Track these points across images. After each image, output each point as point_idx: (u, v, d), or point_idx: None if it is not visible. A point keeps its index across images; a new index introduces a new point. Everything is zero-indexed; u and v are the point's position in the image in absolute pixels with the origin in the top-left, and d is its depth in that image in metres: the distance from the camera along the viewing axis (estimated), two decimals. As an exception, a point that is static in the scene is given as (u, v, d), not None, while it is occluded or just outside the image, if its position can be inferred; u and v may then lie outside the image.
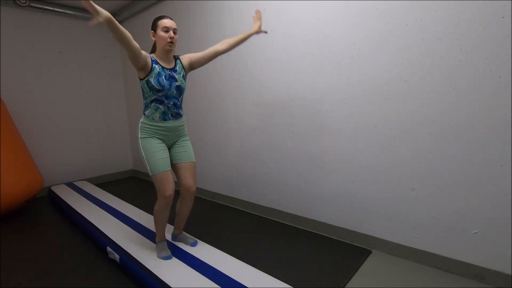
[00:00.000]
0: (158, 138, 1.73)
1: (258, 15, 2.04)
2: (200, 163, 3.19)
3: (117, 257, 1.85)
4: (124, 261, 1.80)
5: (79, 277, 1.83)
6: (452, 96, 1.61)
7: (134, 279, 1.74)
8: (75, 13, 3.70)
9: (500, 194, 1.53)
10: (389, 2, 1.77)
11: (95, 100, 4.12)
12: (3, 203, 2.67)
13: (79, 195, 3.12)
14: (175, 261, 1.76)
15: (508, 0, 1.41)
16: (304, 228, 2.40)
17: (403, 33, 1.74)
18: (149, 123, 1.71)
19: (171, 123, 1.75)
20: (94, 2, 1.48)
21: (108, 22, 1.33)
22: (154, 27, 1.69)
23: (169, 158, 1.77)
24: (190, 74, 3.00)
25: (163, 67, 1.69)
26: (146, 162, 1.70)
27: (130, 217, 2.47)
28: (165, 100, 1.70)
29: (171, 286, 1.49)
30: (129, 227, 2.26)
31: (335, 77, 2.07)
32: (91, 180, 4.07)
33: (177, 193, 1.78)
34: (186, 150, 1.85)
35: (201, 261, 1.74)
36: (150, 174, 1.71)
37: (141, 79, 1.67)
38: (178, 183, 1.86)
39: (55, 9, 3.54)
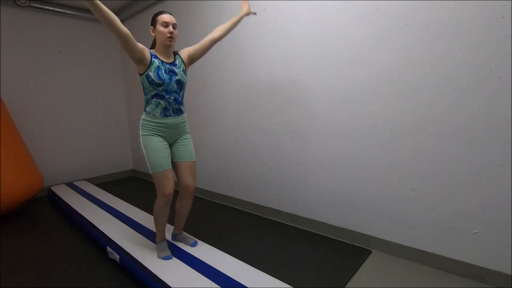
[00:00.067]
0: (159, 135, 1.72)
1: None
2: (200, 163, 3.19)
3: (117, 257, 1.85)
4: (124, 261, 1.80)
5: (79, 277, 1.83)
6: (452, 96, 1.61)
7: (134, 279, 1.74)
8: (75, 13, 3.70)
9: (500, 194, 1.53)
10: (389, 2, 1.77)
11: (95, 100, 4.12)
12: (3, 203, 2.67)
13: (79, 195, 3.12)
14: (175, 261, 1.76)
15: (508, 0, 1.41)
16: (304, 228, 2.40)
17: (403, 33, 1.74)
18: (150, 119, 1.70)
19: (172, 120, 1.74)
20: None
21: (88, 1, 1.30)
22: (153, 22, 1.70)
23: (170, 156, 1.77)
24: (190, 74, 3.00)
25: (162, 61, 1.69)
26: (146, 160, 1.70)
27: (130, 217, 2.47)
28: (165, 95, 1.69)
29: (171, 286, 1.49)
30: (129, 227, 2.26)
31: (335, 77, 2.07)
32: (91, 180, 4.07)
33: (176, 192, 1.78)
34: (187, 148, 1.84)
35: (201, 261, 1.75)
36: (150, 172, 1.71)
37: (141, 74, 1.67)
38: (177, 181, 1.86)
39: (55, 9, 3.53)
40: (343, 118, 2.07)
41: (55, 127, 3.74)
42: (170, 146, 1.81)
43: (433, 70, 1.66)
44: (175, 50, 1.81)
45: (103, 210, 2.66)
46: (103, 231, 2.18)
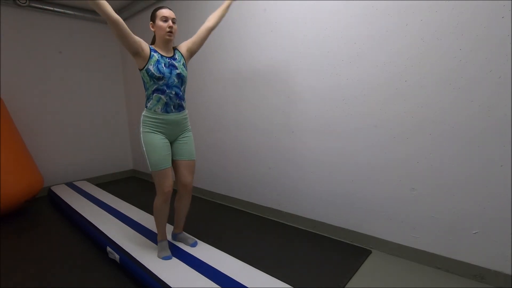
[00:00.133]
0: (160, 132, 1.72)
1: None
2: (200, 163, 3.19)
3: (117, 257, 1.85)
4: (124, 261, 1.80)
5: (79, 277, 1.83)
6: (452, 96, 1.61)
7: (134, 279, 1.74)
8: (75, 13, 3.70)
9: (500, 194, 1.53)
10: (389, 2, 1.77)
11: (95, 100, 4.12)
12: (3, 203, 2.67)
13: (79, 195, 3.12)
14: (175, 261, 1.76)
15: (508, 0, 1.41)
16: (304, 228, 2.40)
17: (403, 33, 1.74)
18: (151, 116, 1.70)
19: (173, 116, 1.74)
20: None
21: None
22: (153, 17, 1.70)
23: (170, 154, 1.77)
24: (190, 74, 3.00)
25: (162, 55, 1.69)
26: (146, 157, 1.71)
27: (130, 217, 2.48)
28: (166, 89, 1.68)
29: (171, 286, 1.49)
30: (129, 227, 2.26)
31: (335, 77, 2.07)
32: (91, 180, 4.07)
33: (175, 191, 1.78)
34: (188, 147, 1.84)
35: (201, 261, 1.75)
36: (150, 170, 1.72)
37: (140, 70, 1.67)
38: (175, 179, 1.86)
39: (55, 9, 3.53)
40: (343, 118, 2.07)
41: (55, 127, 3.74)
42: (171, 143, 1.80)
43: (433, 70, 1.66)
44: (174, 45, 1.81)
45: (103, 210, 2.66)
46: (103, 231, 2.18)
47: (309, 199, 2.36)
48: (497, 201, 1.54)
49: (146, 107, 1.72)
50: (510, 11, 1.41)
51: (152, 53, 1.66)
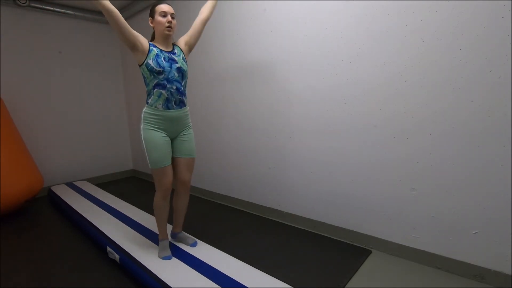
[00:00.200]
0: (161, 129, 1.71)
1: None
2: (200, 163, 3.19)
3: (117, 257, 1.85)
4: (124, 261, 1.80)
5: (79, 277, 1.83)
6: (452, 96, 1.61)
7: (134, 279, 1.74)
8: (75, 13, 3.70)
9: (500, 194, 1.53)
10: (389, 2, 1.77)
11: (95, 100, 4.12)
12: (3, 203, 2.67)
13: (79, 195, 3.13)
14: (175, 261, 1.76)
15: (508, 0, 1.41)
16: (304, 228, 2.40)
17: (403, 33, 1.74)
18: (153, 112, 1.69)
19: (175, 113, 1.73)
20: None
21: None
22: (152, 13, 1.70)
23: (170, 152, 1.77)
24: (191, 74, 3.00)
25: (161, 50, 1.69)
26: (146, 154, 1.71)
27: (130, 217, 2.48)
28: (167, 84, 1.67)
29: (171, 286, 1.49)
30: (129, 227, 2.26)
31: (335, 77, 2.07)
32: (91, 180, 4.07)
33: (173, 190, 1.79)
34: (188, 144, 1.84)
35: (201, 261, 1.75)
36: (150, 167, 1.72)
37: (140, 65, 1.67)
38: (174, 176, 1.86)
39: (55, 9, 3.53)
40: (343, 118, 2.07)
41: (55, 127, 3.74)
42: (172, 140, 1.80)
43: (433, 70, 1.66)
44: (173, 42, 1.82)
45: (103, 210, 2.66)
46: (103, 231, 2.18)
47: (309, 199, 2.36)
48: (497, 201, 1.54)
49: (147, 103, 1.71)
50: (510, 11, 1.41)
51: (151, 47, 1.66)
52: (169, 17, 1.67)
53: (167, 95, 1.68)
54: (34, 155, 3.45)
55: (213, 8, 1.90)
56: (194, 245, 1.94)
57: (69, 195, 3.12)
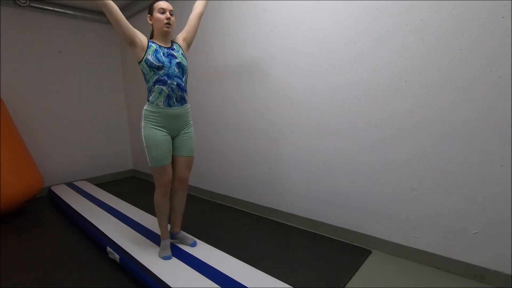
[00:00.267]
0: (162, 127, 1.71)
1: None
2: (200, 163, 3.19)
3: (117, 257, 1.85)
4: (124, 261, 1.80)
5: (79, 277, 1.83)
6: (452, 96, 1.61)
7: (134, 279, 1.74)
8: (75, 13, 3.70)
9: (500, 194, 1.53)
10: (389, 2, 1.77)
11: (95, 100, 4.12)
12: (3, 203, 2.67)
13: (79, 195, 3.12)
14: (175, 261, 1.76)
15: (508, 0, 1.41)
16: (304, 228, 2.40)
17: (403, 33, 1.74)
18: (154, 110, 1.68)
19: (176, 110, 1.72)
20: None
21: None
22: (150, 10, 1.71)
23: (171, 151, 1.77)
24: (191, 75, 3.00)
25: (160, 46, 1.69)
26: (146, 153, 1.71)
27: (130, 217, 2.47)
28: (167, 80, 1.66)
29: (171, 286, 1.49)
30: (129, 227, 2.26)
31: (335, 77, 2.07)
32: (91, 180, 4.07)
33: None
34: (188, 143, 1.84)
35: (201, 261, 1.75)
36: (150, 165, 1.72)
37: (140, 62, 1.67)
38: (173, 173, 1.86)
39: (55, 9, 3.53)
40: (343, 118, 2.07)
41: (55, 127, 3.74)
42: (172, 138, 1.79)
43: (433, 70, 1.66)
44: (172, 39, 1.82)
45: (103, 210, 2.66)
46: (103, 231, 2.18)
47: (309, 199, 2.36)
48: (497, 201, 1.54)
49: (148, 101, 1.70)
50: (510, 11, 1.41)
51: (150, 43, 1.67)
52: (167, 14, 1.67)
53: (168, 91, 1.67)
54: (34, 155, 3.45)
55: (206, 2, 1.90)
56: (193, 245, 1.94)
57: (69, 195, 3.12)
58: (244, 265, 1.71)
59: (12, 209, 2.85)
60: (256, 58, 2.55)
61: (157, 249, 1.88)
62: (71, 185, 3.52)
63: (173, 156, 1.83)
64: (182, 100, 1.74)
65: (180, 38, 1.83)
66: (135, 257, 1.79)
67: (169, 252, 1.81)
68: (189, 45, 1.87)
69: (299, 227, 2.42)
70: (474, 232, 1.63)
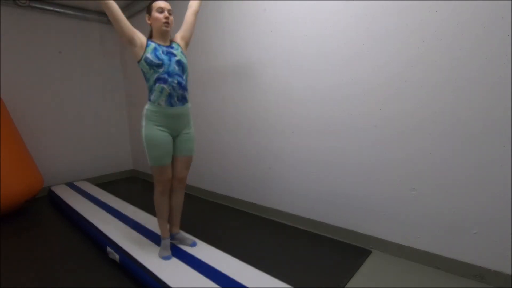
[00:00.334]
0: (163, 127, 1.70)
1: None
2: (200, 163, 3.19)
3: (117, 257, 1.85)
4: (124, 261, 1.80)
5: (79, 277, 1.83)
6: (452, 96, 1.61)
7: (134, 279, 1.74)
8: (75, 13, 3.70)
9: (500, 194, 1.53)
10: (389, 2, 1.77)
11: (95, 100, 4.12)
12: (3, 203, 2.67)
13: (79, 195, 3.12)
14: (175, 261, 1.76)
15: (508, 0, 1.41)
16: (304, 228, 2.39)
17: (403, 33, 1.74)
18: (155, 109, 1.68)
19: (178, 110, 1.72)
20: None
21: None
22: (149, 10, 1.71)
23: (171, 152, 1.77)
24: (192, 75, 3.00)
25: (159, 44, 1.70)
26: (147, 152, 1.71)
27: (130, 217, 2.47)
28: (168, 78, 1.65)
29: (171, 286, 1.49)
30: (129, 227, 2.26)
31: (335, 77, 2.07)
32: (91, 180, 4.07)
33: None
34: (189, 143, 1.84)
35: (201, 261, 1.75)
36: (150, 164, 1.73)
37: (139, 61, 1.67)
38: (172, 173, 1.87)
39: (55, 9, 3.53)
40: (343, 118, 2.07)
41: (55, 126, 3.74)
42: (173, 138, 1.79)
43: (433, 70, 1.66)
44: (171, 38, 1.82)
45: (103, 210, 2.66)
46: (103, 231, 2.18)
47: (309, 199, 2.36)
48: (497, 201, 1.54)
49: (149, 100, 1.70)
50: (510, 11, 1.41)
51: (149, 42, 1.68)
52: (166, 13, 1.67)
53: (169, 90, 1.66)
54: (34, 155, 3.45)
55: (200, 0, 1.90)
56: (193, 245, 1.94)
57: (69, 195, 3.12)
58: (244, 265, 1.71)
59: (12, 209, 2.85)
60: (256, 58, 2.54)
61: (157, 249, 1.88)
62: (71, 185, 3.52)
63: (173, 156, 1.83)
64: (183, 99, 1.74)
65: (178, 37, 1.84)
66: (135, 257, 1.79)
67: (169, 252, 1.81)
68: (187, 43, 1.87)
69: (299, 227, 2.42)
70: (474, 232, 1.63)
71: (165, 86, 1.65)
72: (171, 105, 1.69)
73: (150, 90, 1.69)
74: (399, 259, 1.90)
